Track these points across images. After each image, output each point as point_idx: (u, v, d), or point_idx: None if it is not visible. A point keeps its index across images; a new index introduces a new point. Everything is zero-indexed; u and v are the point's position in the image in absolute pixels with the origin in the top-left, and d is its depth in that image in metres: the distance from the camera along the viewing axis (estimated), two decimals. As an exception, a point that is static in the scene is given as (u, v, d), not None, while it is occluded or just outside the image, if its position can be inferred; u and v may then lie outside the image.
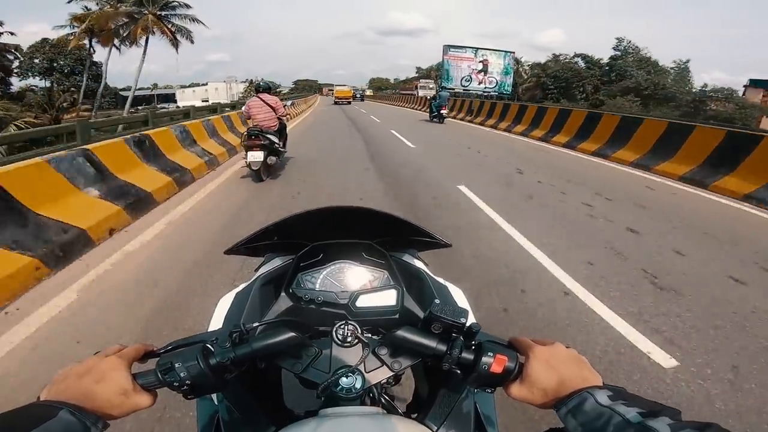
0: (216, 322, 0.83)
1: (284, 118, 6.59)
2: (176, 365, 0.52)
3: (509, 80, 35.58)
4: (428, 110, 17.81)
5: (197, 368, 0.52)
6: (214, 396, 0.70)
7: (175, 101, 70.61)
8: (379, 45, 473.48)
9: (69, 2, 28.97)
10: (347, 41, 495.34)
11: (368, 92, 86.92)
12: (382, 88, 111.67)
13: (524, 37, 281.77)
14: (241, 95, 63.56)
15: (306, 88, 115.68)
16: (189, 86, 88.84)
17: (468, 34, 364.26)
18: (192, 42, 31.82)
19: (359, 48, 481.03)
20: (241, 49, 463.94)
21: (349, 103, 41.59)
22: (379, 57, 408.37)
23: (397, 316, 0.73)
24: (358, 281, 0.81)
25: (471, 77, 33.96)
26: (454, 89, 31.73)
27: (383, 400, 0.76)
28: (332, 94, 51.63)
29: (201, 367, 0.53)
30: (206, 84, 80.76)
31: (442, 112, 15.76)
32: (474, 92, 33.16)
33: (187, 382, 0.52)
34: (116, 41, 29.89)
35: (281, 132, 6.42)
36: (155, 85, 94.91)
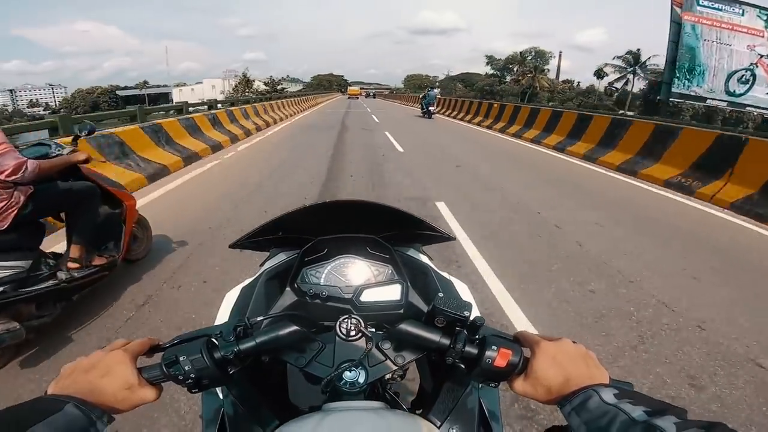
0: (222, 317, 0.83)
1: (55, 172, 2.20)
2: (180, 359, 0.52)
3: None
4: (420, 107, 20.44)
5: (201, 362, 0.53)
6: (219, 391, 0.71)
7: (171, 101, 69.94)
8: (411, 44, 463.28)
9: None
10: (379, 40, 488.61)
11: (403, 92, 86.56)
12: (422, 87, 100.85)
13: (562, 36, 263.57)
14: (228, 94, 58.43)
15: (323, 85, 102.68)
16: (186, 84, 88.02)
17: (502, 33, 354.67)
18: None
19: (391, 48, 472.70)
20: (276, 49, 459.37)
21: (357, 98, 56.17)
22: (411, 56, 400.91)
23: (401, 310, 0.74)
24: (362, 276, 0.81)
25: (754, 73, 15.26)
26: (697, 94, 15.53)
27: (388, 395, 0.76)
28: (352, 92, 65.89)
29: (205, 361, 0.53)
30: (201, 82, 78.54)
31: (430, 108, 18.14)
32: (755, 108, 16.11)
33: (192, 375, 0.53)
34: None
35: (76, 219, 2.35)
36: (144, 83, 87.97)
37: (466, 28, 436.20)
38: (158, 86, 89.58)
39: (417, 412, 0.69)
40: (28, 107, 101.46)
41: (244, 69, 60.49)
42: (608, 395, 0.46)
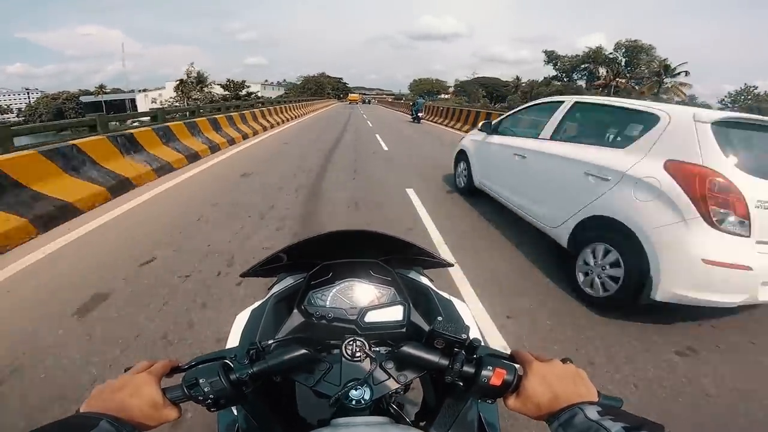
0: (233, 338, 0.86)
1: None
2: (200, 381, 0.56)
3: None
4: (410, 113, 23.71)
5: (219, 384, 0.56)
6: (233, 407, 0.74)
7: (136, 108, 57.19)
8: (412, 49, 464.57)
9: None
10: (380, 45, 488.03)
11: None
12: (432, 93, 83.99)
13: (563, 42, 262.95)
14: (170, 101, 43.32)
15: (309, 88, 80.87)
16: (151, 90, 73.51)
17: (503, 38, 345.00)
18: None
19: (392, 53, 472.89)
20: (277, 53, 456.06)
21: (357, 103, 57.66)
22: (412, 61, 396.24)
23: (404, 330, 0.77)
24: (366, 298, 0.84)
25: None
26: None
27: (392, 410, 0.77)
28: (352, 98, 66.76)
29: (222, 383, 0.56)
30: (163, 87, 64.98)
31: (419, 115, 21.27)
32: None
33: (210, 396, 0.56)
34: None
35: None
36: (101, 88, 71.69)
37: (467, 34, 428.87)
38: (127, 91, 75.70)
39: (420, 425, 0.72)
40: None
41: (189, 66, 43.52)
42: (592, 412, 0.49)
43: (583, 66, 50.00)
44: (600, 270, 2.68)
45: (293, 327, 0.76)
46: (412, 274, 0.98)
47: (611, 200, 2.65)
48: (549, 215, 3.34)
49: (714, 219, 2.13)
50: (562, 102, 3.76)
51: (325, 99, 56.32)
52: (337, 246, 0.89)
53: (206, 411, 0.59)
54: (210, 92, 43.15)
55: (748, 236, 2.12)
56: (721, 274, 2.12)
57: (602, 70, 48.32)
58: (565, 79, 52.28)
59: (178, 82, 43.99)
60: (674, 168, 2.32)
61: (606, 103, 3.42)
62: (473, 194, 5.32)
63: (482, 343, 0.62)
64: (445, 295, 0.93)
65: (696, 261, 2.15)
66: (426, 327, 0.75)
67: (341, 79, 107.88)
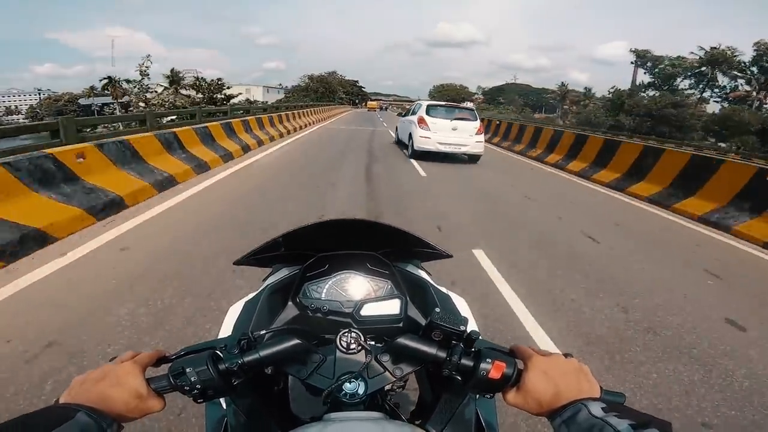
0: (226, 330, 0.84)
1: None
2: (187, 370, 0.54)
3: None
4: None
5: (207, 373, 0.54)
6: (222, 401, 0.72)
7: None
8: (427, 56, 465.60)
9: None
10: (397, 52, 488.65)
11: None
12: (455, 100, 50.57)
13: (581, 50, 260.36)
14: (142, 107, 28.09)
15: (316, 90, 65.67)
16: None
17: (520, 46, 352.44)
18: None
19: (408, 59, 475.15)
20: (295, 58, 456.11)
21: (376, 110, 60.06)
22: (427, 68, 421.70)
23: (401, 324, 0.77)
24: (362, 291, 0.83)
25: None
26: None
27: (387, 406, 0.75)
28: (371, 106, 70.60)
29: (210, 373, 0.54)
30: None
31: None
32: None
33: (198, 386, 0.54)
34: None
35: None
36: (91, 90, 60.79)
37: (484, 41, 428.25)
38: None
39: (416, 422, 0.70)
40: (5, 115, 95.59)
41: (145, 60, 28.75)
42: (596, 409, 0.48)
43: (695, 71, 35.22)
44: (409, 146, 10.66)
45: (287, 319, 0.75)
46: (410, 268, 0.96)
47: (410, 129, 10.78)
48: (405, 139, 11.45)
49: (421, 127, 10.19)
50: (416, 102, 11.95)
51: (334, 105, 42.19)
52: (334, 237, 0.87)
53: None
54: (188, 95, 32.61)
55: (430, 130, 10.09)
56: (425, 139, 10.11)
57: (722, 78, 34.55)
58: (663, 87, 35.97)
59: (106, 80, 31.23)
60: (417, 117, 10.46)
61: (418, 101, 11.59)
62: (397, 142, 13.40)
63: (480, 337, 0.60)
64: (443, 289, 0.91)
65: (419, 136, 10.17)
66: (423, 321, 0.73)
67: (357, 81, 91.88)
